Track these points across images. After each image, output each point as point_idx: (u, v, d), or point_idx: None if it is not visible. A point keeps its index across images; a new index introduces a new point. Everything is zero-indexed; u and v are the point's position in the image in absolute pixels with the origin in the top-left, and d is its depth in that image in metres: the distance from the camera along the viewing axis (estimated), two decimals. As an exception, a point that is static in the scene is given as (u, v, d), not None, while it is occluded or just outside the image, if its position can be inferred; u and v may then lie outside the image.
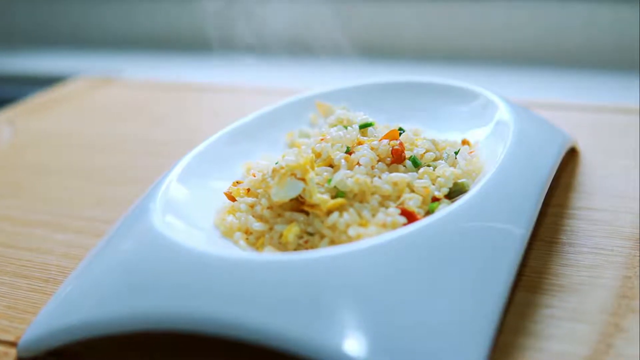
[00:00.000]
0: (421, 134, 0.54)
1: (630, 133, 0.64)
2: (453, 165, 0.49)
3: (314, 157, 0.47)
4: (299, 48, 1.15)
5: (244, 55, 1.21)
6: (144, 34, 1.33)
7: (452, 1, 1.10)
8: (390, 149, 0.48)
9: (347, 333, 0.35)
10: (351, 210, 0.44)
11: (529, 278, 0.44)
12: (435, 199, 0.46)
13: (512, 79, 1.02)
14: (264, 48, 1.17)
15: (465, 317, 0.37)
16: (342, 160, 0.47)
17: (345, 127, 0.50)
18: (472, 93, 0.58)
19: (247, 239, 0.46)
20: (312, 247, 0.44)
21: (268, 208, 0.47)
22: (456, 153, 0.50)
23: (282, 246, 0.45)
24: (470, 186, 0.47)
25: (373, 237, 0.41)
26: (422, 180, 0.46)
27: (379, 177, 0.46)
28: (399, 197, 0.45)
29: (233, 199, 0.49)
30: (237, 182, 0.50)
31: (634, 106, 0.70)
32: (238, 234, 0.46)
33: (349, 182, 0.45)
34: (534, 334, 0.40)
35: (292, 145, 0.56)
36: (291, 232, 0.44)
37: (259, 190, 0.48)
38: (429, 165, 0.48)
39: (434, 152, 0.49)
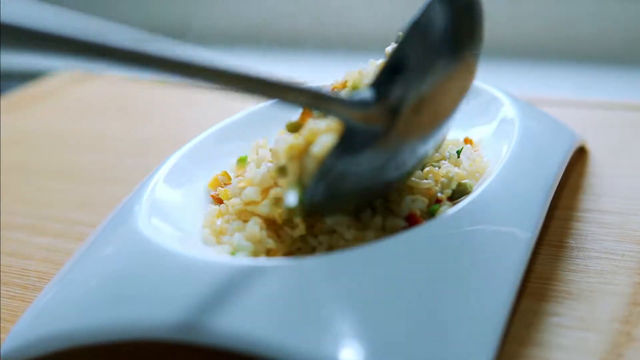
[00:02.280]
0: (422, 132, 0.54)
1: (642, 131, 0.64)
2: (456, 165, 0.49)
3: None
4: (283, 41, 1.15)
5: (230, 48, 1.21)
6: (127, 26, 1.33)
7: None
8: (389, 148, 0.48)
9: (343, 342, 0.35)
10: (348, 212, 0.44)
11: (535, 284, 0.44)
12: (437, 201, 0.46)
13: (518, 74, 1.02)
14: (255, 41, 1.17)
15: (467, 326, 0.36)
16: (339, 160, 0.47)
17: (342, 125, 0.50)
18: (475, 89, 0.57)
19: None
20: (307, 252, 0.44)
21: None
22: (458, 152, 0.50)
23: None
24: (473, 187, 0.47)
25: (372, 241, 0.41)
26: (423, 181, 0.46)
27: (378, 178, 0.46)
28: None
29: (220, 202, 0.49)
30: (223, 173, 0.50)
31: (646, 103, 0.70)
32: (227, 238, 0.46)
33: (346, 183, 0.45)
34: (540, 344, 0.40)
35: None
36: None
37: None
38: (431, 165, 0.48)
39: (435, 152, 0.49)
